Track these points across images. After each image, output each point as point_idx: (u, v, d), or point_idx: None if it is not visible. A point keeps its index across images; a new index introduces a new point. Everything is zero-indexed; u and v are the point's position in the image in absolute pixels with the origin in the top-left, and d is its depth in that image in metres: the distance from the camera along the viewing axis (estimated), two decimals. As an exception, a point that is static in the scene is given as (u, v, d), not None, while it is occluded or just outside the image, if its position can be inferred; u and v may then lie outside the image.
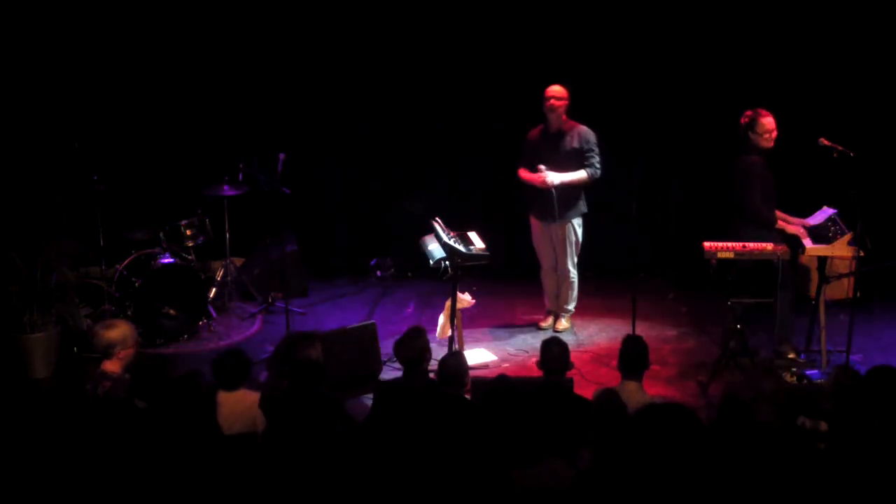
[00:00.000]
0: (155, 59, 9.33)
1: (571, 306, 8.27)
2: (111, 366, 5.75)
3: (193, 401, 4.91)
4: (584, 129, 7.78)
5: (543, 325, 8.33)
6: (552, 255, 8.10)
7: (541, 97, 7.78)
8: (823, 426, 4.89)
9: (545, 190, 7.68)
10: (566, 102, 7.73)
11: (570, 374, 6.00)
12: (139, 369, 5.23)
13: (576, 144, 7.73)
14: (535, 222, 8.08)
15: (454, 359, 5.60)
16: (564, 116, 7.75)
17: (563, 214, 7.81)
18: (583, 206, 7.95)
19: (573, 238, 7.99)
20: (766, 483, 4.15)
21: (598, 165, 7.76)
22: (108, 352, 5.77)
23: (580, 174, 7.74)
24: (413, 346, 5.81)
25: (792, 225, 7.35)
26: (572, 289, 8.17)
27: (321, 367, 5.38)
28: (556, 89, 7.72)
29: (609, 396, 4.84)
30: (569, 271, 8.08)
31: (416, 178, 9.75)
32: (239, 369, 5.49)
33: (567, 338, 7.89)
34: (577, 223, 7.96)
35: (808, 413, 4.98)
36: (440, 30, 9.34)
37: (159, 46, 9.30)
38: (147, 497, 4.36)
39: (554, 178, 7.67)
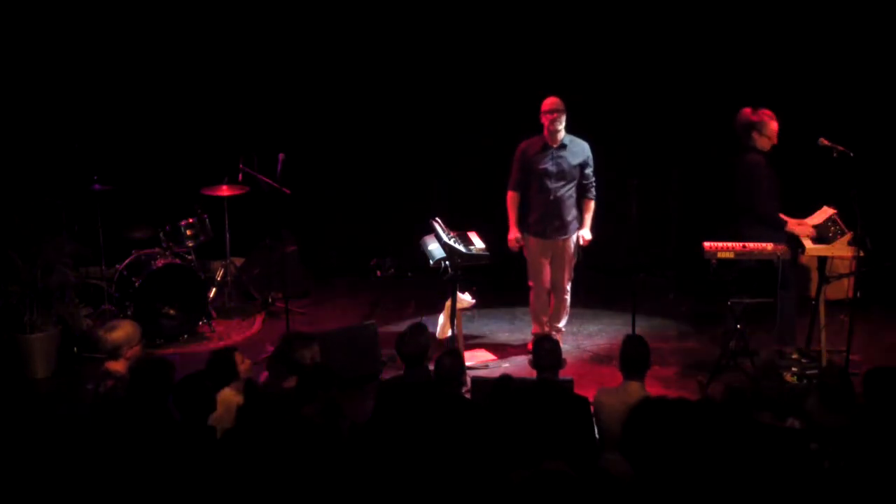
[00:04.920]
0: (155, 59, 9.34)
1: (563, 324, 7.89)
2: (116, 365, 5.75)
3: (196, 402, 4.90)
4: (583, 142, 7.57)
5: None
6: (551, 274, 7.73)
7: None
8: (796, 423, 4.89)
9: (555, 202, 7.50)
10: (565, 114, 7.41)
11: (569, 374, 6.00)
12: (139, 369, 5.21)
13: (580, 159, 7.52)
14: (534, 240, 7.67)
15: (450, 358, 5.59)
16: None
17: (569, 227, 7.62)
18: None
19: (574, 251, 7.73)
20: (763, 479, 4.15)
21: (595, 186, 7.66)
22: (115, 353, 5.78)
23: (592, 209, 7.67)
24: (416, 341, 5.82)
25: (800, 226, 7.30)
26: (566, 306, 7.84)
27: (329, 370, 5.32)
28: (557, 102, 7.37)
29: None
30: (566, 288, 7.78)
31: (417, 177, 9.75)
32: (225, 370, 5.46)
33: (567, 338, 7.92)
34: (576, 237, 7.74)
35: (796, 412, 4.98)
36: (440, 29, 9.35)
37: (159, 46, 9.31)
38: (143, 496, 4.36)
39: (587, 234, 7.66)
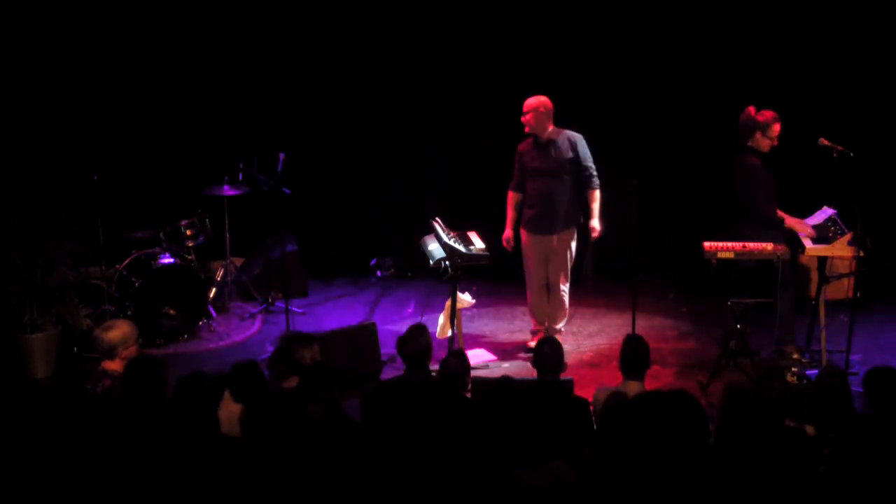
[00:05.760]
0: (155, 59, 9.33)
1: (562, 325, 7.85)
2: (113, 365, 5.73)
3: (197, 401, 4.89)
4: (573, 135, 7.54)
5: (533, 345, 7.68)
6: (545, 270, 7.72)
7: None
8: (809, 430, 4.88)
9: (545, 198, 7.51)
10: (542, 111, 7.42)
11: (569, 374, 5.99)
12: (132, 367, 5.19)
13: (570, 154, 7.50)
14: (527, 235, 7.67)
15: (455, 358, 5.58)
16: (551, 125, 7.48)
17: (565, 224, 7.59)
18: (578, 216, 7.67)
19: (571, 249, 7.70)
20: (764, 478, 4.15)
21: (596, 176, 7.61)
22: (111, 353, 5.76)
23: (597, 198, 7.57)
24: (417, 342, 5.80)
25: (800, 225, 7.31)
26: (564, 306, 7.77)
27: (330, 370, 5.29)
28: (526, 106, 7.44)
29: (618, 399, 4.83)
30: (562, 287, 7.69)
31: (417, 177, 9.76)
32: (257, 383, 5.39)
33: (566, 338, 7.92)
34: (574, 234, 7.69)
35: (794, 414, 4.97)
36: (441, 28, 9.36)
37: (160, 46, 9.30)
38: (145, 496, 4.36)
39: (597, 224, 7.56)
